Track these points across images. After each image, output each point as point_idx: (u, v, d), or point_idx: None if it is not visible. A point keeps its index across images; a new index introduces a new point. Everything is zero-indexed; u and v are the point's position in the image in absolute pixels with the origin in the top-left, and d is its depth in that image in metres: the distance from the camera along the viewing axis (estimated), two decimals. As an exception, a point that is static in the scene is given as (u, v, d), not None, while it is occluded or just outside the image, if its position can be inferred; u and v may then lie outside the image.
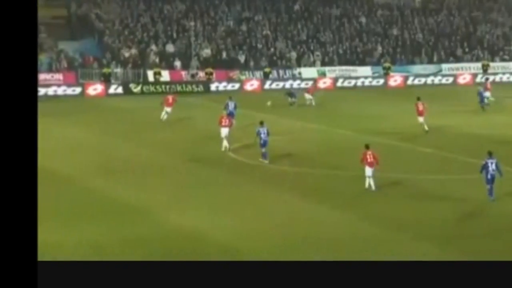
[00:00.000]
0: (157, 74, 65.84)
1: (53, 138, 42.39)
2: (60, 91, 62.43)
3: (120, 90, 63.60)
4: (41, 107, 57.30)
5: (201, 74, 67.71)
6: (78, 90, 62.79)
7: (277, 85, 68.15)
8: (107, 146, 40.19)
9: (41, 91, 61.32)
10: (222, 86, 66.40)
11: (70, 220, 25.75)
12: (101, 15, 72.06)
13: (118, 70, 66.12)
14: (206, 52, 70.42)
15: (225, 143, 37.85)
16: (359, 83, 70.64)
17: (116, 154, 37.84)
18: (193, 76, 67.51)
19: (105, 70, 64.99)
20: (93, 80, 64.18)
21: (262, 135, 34.93)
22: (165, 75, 66.66)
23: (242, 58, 70.89)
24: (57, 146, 39.91)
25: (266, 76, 68.91)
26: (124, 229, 24.67)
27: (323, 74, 71.06)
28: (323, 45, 74.47)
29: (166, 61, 68.42)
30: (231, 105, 46.81)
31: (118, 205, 27.81)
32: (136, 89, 64.04)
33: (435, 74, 73.33)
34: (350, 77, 70.99)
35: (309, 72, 70.94)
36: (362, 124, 46.70)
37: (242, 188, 30.63)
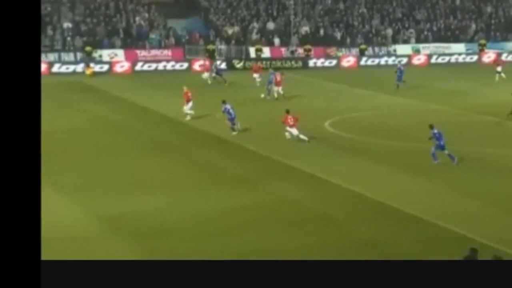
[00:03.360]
0: (258, 50, 66.03)
1: (163, 110, 43.14)
2: (169, 66, 63.60)
3: (223, 66, 64.08)
4: (152, 81, 58.25)
5: (300, 50, 67.53)
6: (185, 65, 63.79)
7: (373, 61, 67.41)
8: (211, 118, 40.53)
9: (152, 66, 62.92)
10: (320, 62, 66.17)
11: (183, 188, 26.21)
12: (207, -5, 72.49)
13: (222, 46, 66.66)
14: (305, 29, 70.06)
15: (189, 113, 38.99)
16: (452, 59, 69.09)
17: (220, 125, 38.13)
18: (292, 52, 67.37)
19: (210, 46, 65.63)
20: (199, 56, 64.94)
21: (231, 111, 35.54)
22: (266, 52, 66.82)
23: (339, 35, 70.22)
24: (165, 117, 40.58)
25: (362, 52, 68.17)
26: (225, 197, 24.99)
27: (417, 51, 69.73)
28: (418, 22, 72.97)
29: (266, 38, 68.45)
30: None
31: (222, 175, 28.15)
32: (239, 65, 64.49)
33: (529, 51, 70.89)
34: (444, 54, 69.51)
35: (403, 49, 69.75)
36: (455, 100, 45.61)
37: (337, 159, 30.47)
